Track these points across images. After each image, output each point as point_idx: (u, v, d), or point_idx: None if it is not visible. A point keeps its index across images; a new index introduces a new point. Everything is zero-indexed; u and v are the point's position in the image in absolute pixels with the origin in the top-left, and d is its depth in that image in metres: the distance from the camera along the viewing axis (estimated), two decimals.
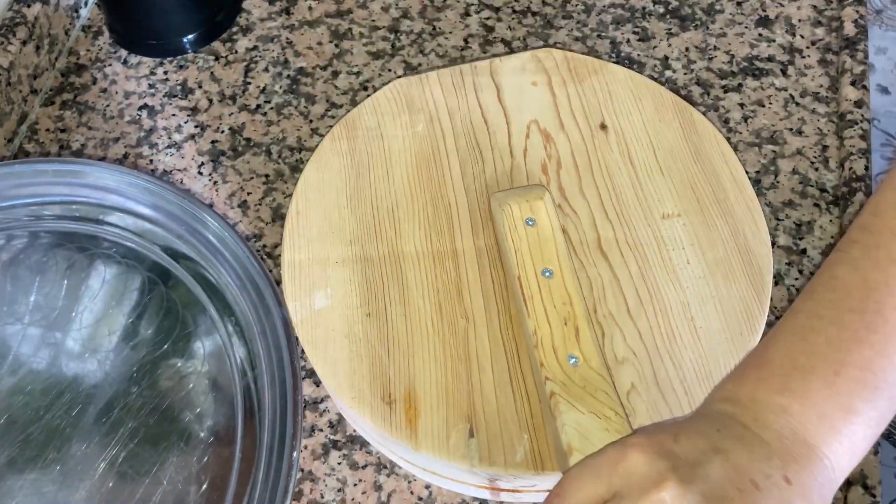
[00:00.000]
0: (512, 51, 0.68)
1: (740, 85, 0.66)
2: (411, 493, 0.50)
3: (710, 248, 0.52)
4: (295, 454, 0.47)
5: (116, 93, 0.68)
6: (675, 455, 0.37)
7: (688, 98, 0.65)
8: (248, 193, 0.62)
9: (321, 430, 0.52)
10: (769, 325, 0.52)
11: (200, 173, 0.63)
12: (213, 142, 0.65)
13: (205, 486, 0.49)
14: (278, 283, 0.55)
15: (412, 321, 0.50)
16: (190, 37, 0.70)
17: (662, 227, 0.53)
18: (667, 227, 0.53)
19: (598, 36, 0.69)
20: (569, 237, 0.53)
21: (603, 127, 0.57)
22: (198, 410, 0.51)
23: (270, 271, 0.58)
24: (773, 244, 0.58)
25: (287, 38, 0.71)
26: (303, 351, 0.54)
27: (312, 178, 0.56)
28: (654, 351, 0.49)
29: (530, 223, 0.50)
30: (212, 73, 0.69)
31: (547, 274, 0.48)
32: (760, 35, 0.69)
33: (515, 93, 0.59)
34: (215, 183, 0.63)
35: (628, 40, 0.69)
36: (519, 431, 0.46)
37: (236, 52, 0.70)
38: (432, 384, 0.48)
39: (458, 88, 0.60)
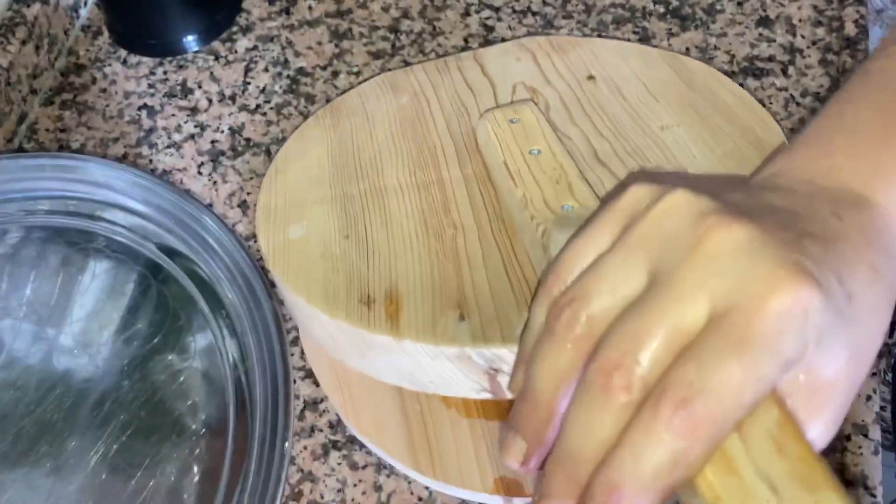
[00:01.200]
0: None
1: (741, 85, 0.66)
2: (411, 493, 0.50)
3: (719, 144, 0.49)
4: (287, 445, 0.47)
5: (116, 93, 0.68)
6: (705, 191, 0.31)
7: None
8: (248, 193, 0.62)
9: (321, 431, 0.52)
10: None
11: (200, 173, 0.63)
12: (212, 142, 0.65)
13: (197, 477, 0.49)
14: (270, 281, 0.55)
15: (394, 235, 0.46)
16: (189, 37, 0.69)
17: (663, 135, 0.50)
18: (667, 134, 0.50)
19: (598, 36, 0.69)
20: (556, 133, 0.49)
21: (590, 77, 0.55)
22: (189, 403, 0.52)
23: (263, 270, 0.58)
24: None
25: (287, 38, 0.71)
26: (293, 342, 0.54)
27: (293, 147, 0.54)
28: None
29: (514, 122, 0.47)
30: (211, 73, 0.69)
31: (535, 152, 0.45)
32: (761, 35, 0.69)
33: (499, 67, 0.58)
34: (215, 183, 0.63)
35: (628, 40, 0.69)
36: (517, 311, 0.41)
37: (236, 52, 0.70)
38: (417, 281, 0.43)
39: (443, 71, 0.58)
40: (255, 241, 0.60)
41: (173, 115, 0.66)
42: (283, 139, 0.64)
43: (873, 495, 0.48)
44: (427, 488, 0.50)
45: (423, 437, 0.48)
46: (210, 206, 0.61)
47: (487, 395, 0.41)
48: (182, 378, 0.53)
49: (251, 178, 0.63)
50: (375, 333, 0.41)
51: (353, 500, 0.50)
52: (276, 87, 0.67)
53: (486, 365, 0.39)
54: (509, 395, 0.39)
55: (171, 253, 0.56)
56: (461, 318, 0.41)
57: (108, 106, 0.67)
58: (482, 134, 0.49)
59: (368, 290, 0.43)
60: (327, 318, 0.43)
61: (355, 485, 0.50)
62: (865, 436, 0.50)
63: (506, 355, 0.39)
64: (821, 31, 0.69)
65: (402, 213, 0.47)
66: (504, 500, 0.48)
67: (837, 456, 0.50)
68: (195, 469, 0.50)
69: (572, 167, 0.44)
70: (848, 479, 0.49)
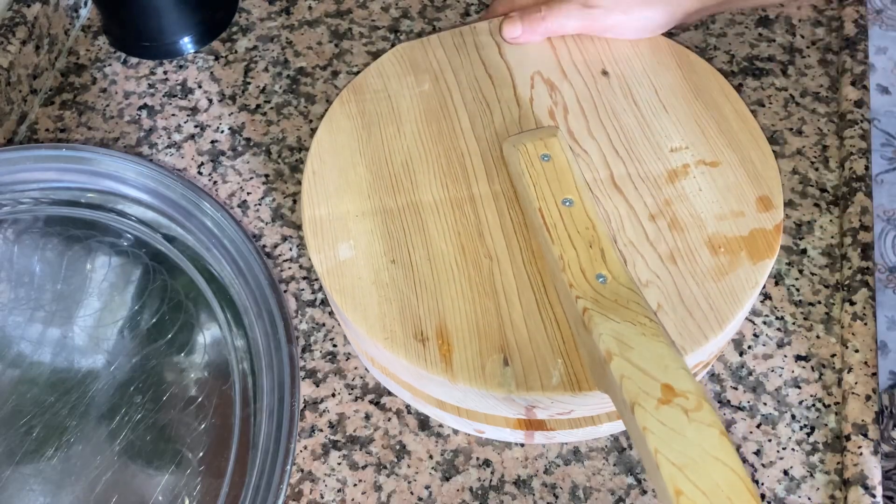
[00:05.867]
0: None
1: (740, 85, 0.66)
2: (411, 493, 0.50)
3: (721, 175, 0.53)
4: (292, 444, 0.47)
5: (116, 93, 0.68)
6: None
7: None
8: (248, 193, 0.62)
9: (321, 430, 0.52)
10: (783, 247, 0.52)
11: (200, 173, 0.63)
12: (212, 142, 0.65)
13: (203, 474, 0.49)
14: (279, 281, 0.55)
15: (437, 264, 0.51)
16: (185, 39, 0.69)
17: (672, 158, 0.54)
18: (676, 158, 0.54)
19: None
20: (583, 175, 0.53)
21: (604, 73, 0.58)
22: (199, 399, 0.52)
23: (268, 255, 0.58)
24: None
25: (287, 38, 0.71)
26: (296, 339, 0.54)
27: (325, 141, 0.56)
28: (676, 272, 0.49)
29: (545, 158, 0.51)
30: (211, 73, 0.69)
31: (567, 203, 0.49)
32: (760, 35, 0.69)
33: (516, 48, 0.60)
34: (215, 183, 0.63)
35: None
36: (552, 356, 0.47)
37: (236, 51, 0.70)
38: (463, 319, 0.48)
39: (460, 48, 0.60)
40: (258, 241, 0.60)
41: (173, 114, 0.66)
42: (284, 139, 0.64)
43: (873, 495, 0.48)
44: (427, 487, 0.50)
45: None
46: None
47: (523, 417, 0.49)
48: (191, 374, 0.53)
49: (251, 178, 0.63)
50: (433, 374, 0.47)
51: (353, 500, 0.50)
52: (276, 87, 0.68)
53: (526, 403, 0.47)
54: (543, 416, 0.48)
55: (179, 245, 0.57)
56: (505, 363, 0.46)
57: (108, 106, 0.67)
58: (513, 164, 0.52)
59: (421, 325, 0.48)
60: (389, 354, 0.48)
61: (355, 485, 0.50)
62: (865, 436, 0.50)
63: (543, 399, 0.46)
64: (820, 31, 0.69)
65: (440, 236, 0.52)
66: (525, 434, 0.50)
67: (837, 456, 0.50)
68: (201, 466, 0.50)
69: (602, 227, 0.49)
70: (847, 479, 0.49)
